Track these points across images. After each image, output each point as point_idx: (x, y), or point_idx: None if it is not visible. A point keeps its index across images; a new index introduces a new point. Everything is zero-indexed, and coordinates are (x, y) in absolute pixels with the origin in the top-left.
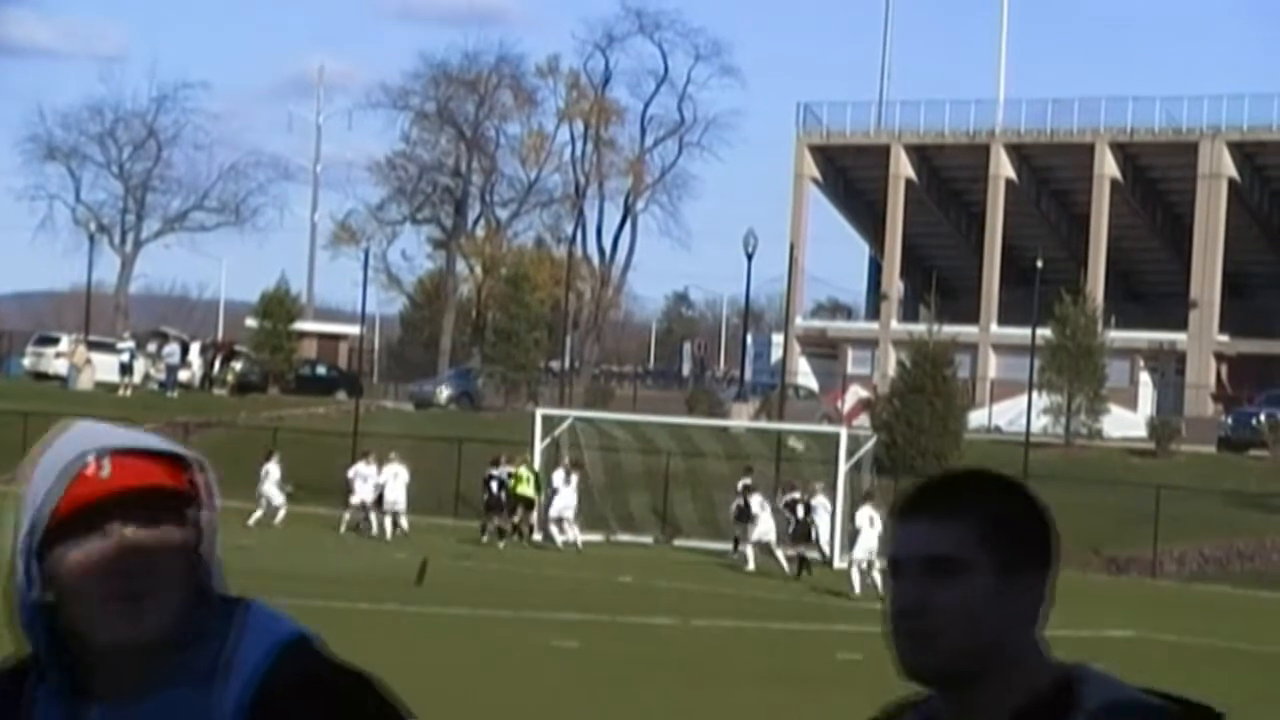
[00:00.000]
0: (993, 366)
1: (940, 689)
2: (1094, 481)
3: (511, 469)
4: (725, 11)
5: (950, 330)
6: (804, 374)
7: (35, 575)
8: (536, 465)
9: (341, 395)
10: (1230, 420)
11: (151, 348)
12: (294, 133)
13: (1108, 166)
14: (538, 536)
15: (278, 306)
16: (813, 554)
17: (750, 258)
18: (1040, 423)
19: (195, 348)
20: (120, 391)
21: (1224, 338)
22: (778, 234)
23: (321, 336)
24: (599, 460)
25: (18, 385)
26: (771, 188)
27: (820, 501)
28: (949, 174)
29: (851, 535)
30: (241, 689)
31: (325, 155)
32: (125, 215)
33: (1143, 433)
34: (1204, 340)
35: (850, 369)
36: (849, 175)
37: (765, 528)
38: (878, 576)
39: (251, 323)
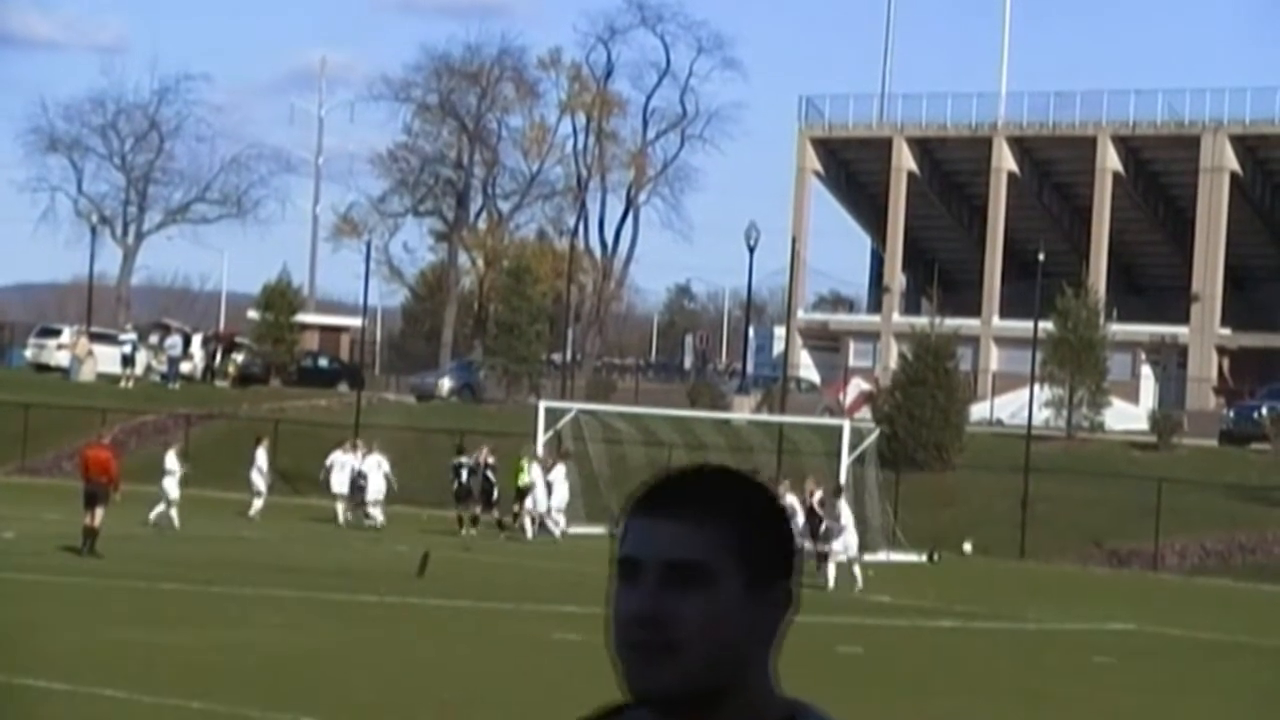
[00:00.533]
0: (994, 359)
1: (666, 713)
2: (1095, 475)
3: (482, 458)
4: (727, 4)
5: (952, 323)
6: (806, 367)
7: None
8: (539, 453)
9: (343, 387)
10: (1232, 414)
11: (153, 340)
12: (296, 125)
13: (1110, 160)
14: (521, 524)
15: (279, 299)
16: None
17: (752, 250)
18: (1042, 416)
19: (197, 340)
20: (122, 383)
21: (1226, 331)
22: (779, 227)
23: (323, 329)
24: (602, 453)
25: (20, 377)
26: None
27: (790, 500)
28: (951, 167)
29: (825, 530)
30: None
31: (327, 147)
32: (127, 207)
33: (1144, 426)
34: (1206, 333)
35: (852, 362)
36: (851, 168)
37: None
38: (858, 571)
39: (253, 315)
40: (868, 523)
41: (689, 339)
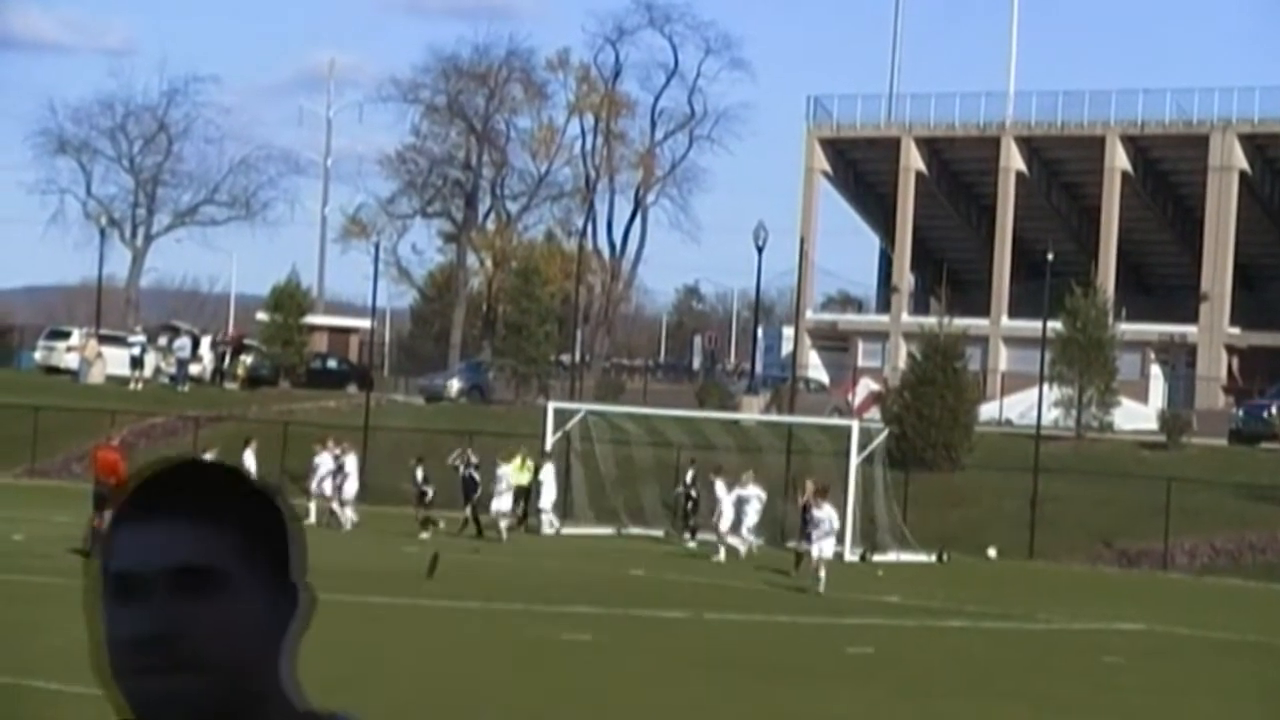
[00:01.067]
0: (1003, 359)
1: None
2: (1105, 474)
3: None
4: (735, 5)
5: (961, 323)
6: (814, 367)
7: None
8: (548, 449)
9: (352, 389)
10: (1241, 413)
11: (162, 342)
12: (304, 126)
13: (1118, 159)
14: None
15: (288, 300)
16: (738, 543)
17: (761, 251)
18: (1051, 415)
19: (206, 342)
20: (131, 385)
21: (1235, 330)
22: (788, 227)
23: (332, 330)
24: (610, 453)
25: (29, 379)
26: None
27: (753, 491)
28: (959, 167)
29: (803, 525)
30: None
31: (336, 149)
32: (136, 209)
33: (1154, 425)
34: (1215, 333)
35: (861, 362)
36: (859, 168)
37: (727, 515)
38: (823, 574)
39: (262, 316)
40: (877, 523)
41: (697, 339)
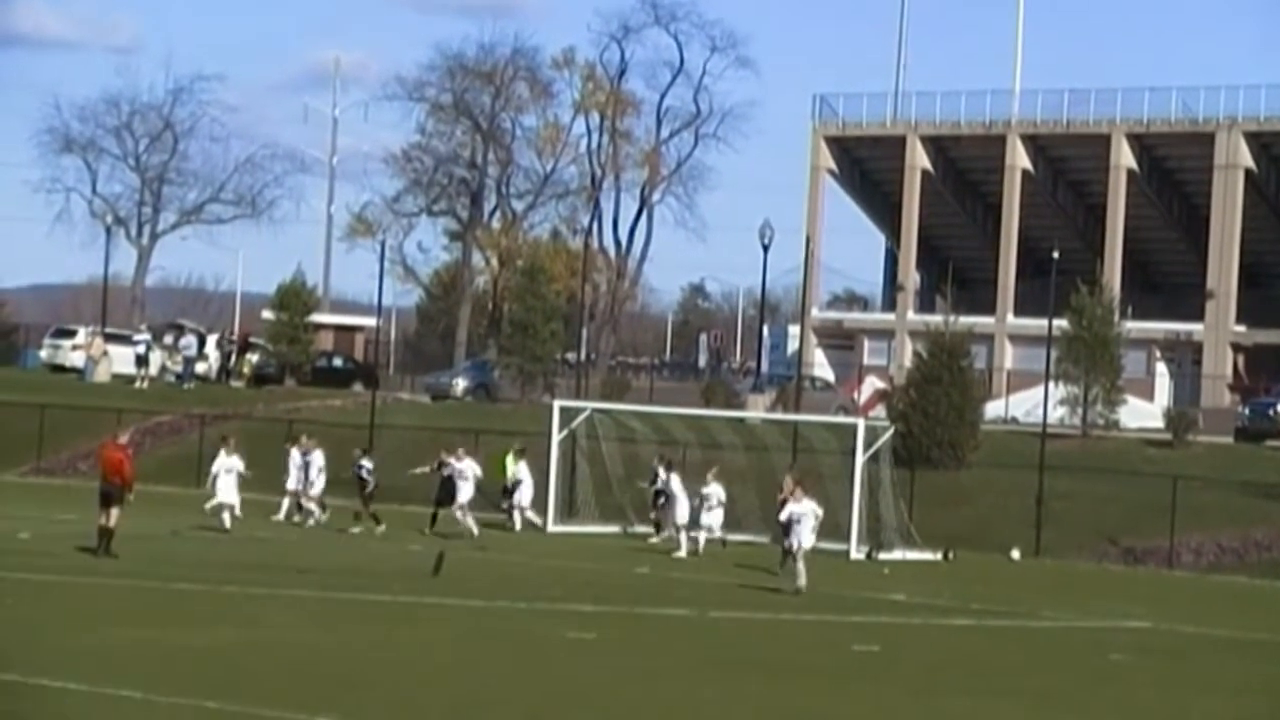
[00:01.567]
0: (1009, 357)
1: None
2: (1110, 472)
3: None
4: (741, 2)
5: (966, 321)
6: (820, 365)
7: None
8: (554, 454)
9: (358, 387)
10: (1247, 410)
11: (168, 340)
12: (310, 125)
13: (1124, 157)
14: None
15: (294, 299)
16: (701, 536)
17: (766, 249)
18: (1057, 414)
19: (212, 340)
20: (137, 384)
21: (1240, 328)
22: (794, 225)
23: (338, 329)
24: (616, 451)
25: (35, 378)
26: (787, 179)
27: (714, 489)
28: (965, 165)
29: (787, 526)
30: None
31: (341, 147)
32: (142, 207)
33: (1159, 423)
34: (1220, 331)
35: (866, 360)
36: (865, 166)
37: (683, 509)
38: (801, 566)
39: (268, 315)
40: (882, 521)
41: (703, 338)
